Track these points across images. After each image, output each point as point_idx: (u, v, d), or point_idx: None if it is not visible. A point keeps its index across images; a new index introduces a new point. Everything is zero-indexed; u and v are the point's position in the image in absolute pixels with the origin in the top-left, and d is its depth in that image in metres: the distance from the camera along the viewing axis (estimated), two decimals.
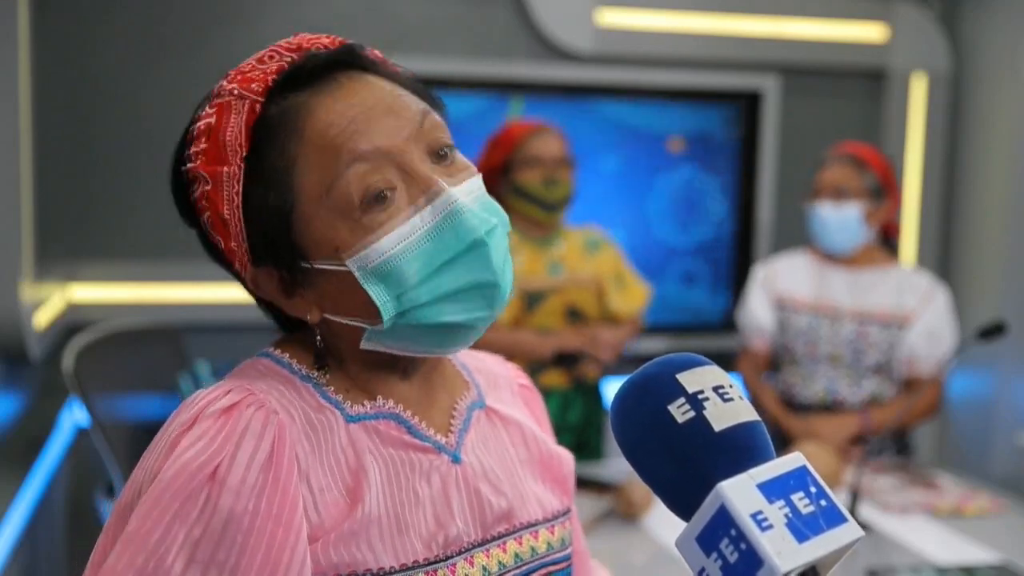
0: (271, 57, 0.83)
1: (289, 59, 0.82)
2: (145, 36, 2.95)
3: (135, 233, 2.98)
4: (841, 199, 2.59)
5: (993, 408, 3.29)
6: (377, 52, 0.88)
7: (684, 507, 0.65)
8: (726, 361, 0.73)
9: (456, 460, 0.86)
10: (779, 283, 2.73)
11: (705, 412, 0.65)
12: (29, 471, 2.54)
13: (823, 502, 0.63)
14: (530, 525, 0.90)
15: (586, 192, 3.00)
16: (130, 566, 0.71)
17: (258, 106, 0.81)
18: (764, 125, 3.44)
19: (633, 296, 2.73)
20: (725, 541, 0.60)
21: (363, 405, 0.84)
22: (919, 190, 3.56)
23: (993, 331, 2.24)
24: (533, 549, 0.90)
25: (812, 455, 2.19)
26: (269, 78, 0.81)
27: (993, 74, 3.39)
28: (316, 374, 0.84)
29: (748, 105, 3.46)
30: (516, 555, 0.88)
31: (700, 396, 0.66)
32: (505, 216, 0.85)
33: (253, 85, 0.81)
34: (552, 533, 0.92)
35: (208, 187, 0.81)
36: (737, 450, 0.64)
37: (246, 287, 0.87)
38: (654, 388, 0.67)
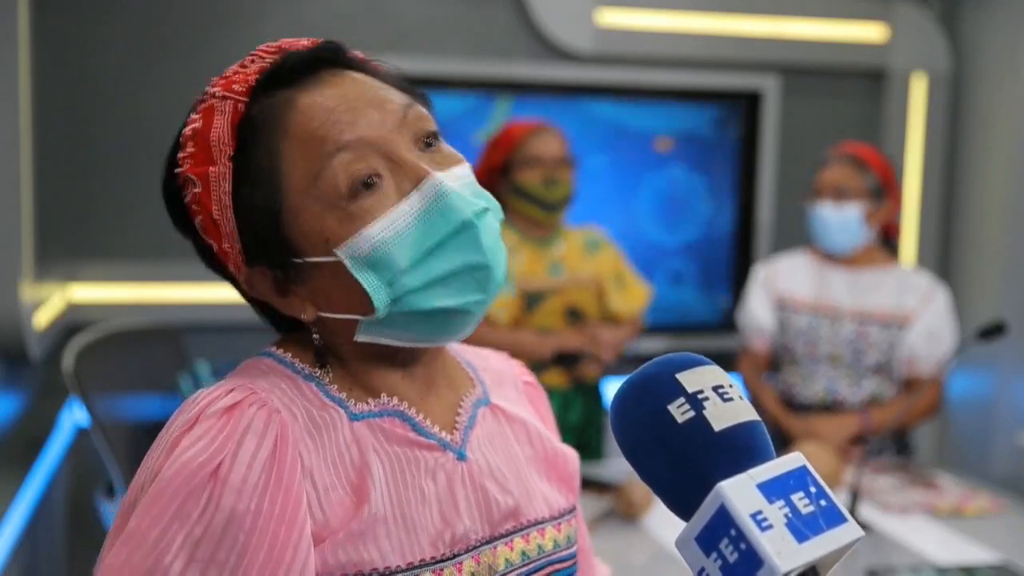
0: (255, 59, 0.84)
1: (271, 60, 0.83)
2: (145, 36, 2.95)
3: (135, 233, 2.98)
4: (842, 199, 2.59)
5: (993, 408, 3.29)
6: (359, 52, 0.88)
7: (684, 507, 0.65)
8: (723, 361, 0.73)
9: (462, 458, 0.86)
10: (779, 283, 2.73)
11: (705, 412, 0.65)
12: (29, 471, 2.54)
13: (823, 502, 0.63)
14: (537, 523, 0.90)
15: (582, 192, 3.00)
16: (128, 563, 0.71)
17: (241, 106, 0.81)
18: (764, 125, 3.44)
19: (633, 296, 2.73)
20: (725, 541, 0.60)
21: (367, 403, 0.84)
22: (919, 190, 3.56)
23: (993, 331, 2.24)
24: (540, 547, 0.90)
25: (812, 455, 2.19)
26: (251, 78, 0.82)
27: (993, 74, 3.39)
28: (319, 372, 0.85)
29: (748, 105, 3.46)
30: (523, 553, 0.88)
31: (700, 396, 0.66)
32: (496, 202, 0.86)
33: (236, 86, 0.82)
34: (559, 531, 0.92)
35: (198, 189, 0.82)
36: (737, 450, 0.64)
37: (240, 290, 0.88)
38: (654, 388, 0.67)
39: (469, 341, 0.97)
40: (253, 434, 0.76)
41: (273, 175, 0.80)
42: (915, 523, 2.15)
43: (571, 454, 1.00)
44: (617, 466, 2.45)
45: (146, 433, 2.35)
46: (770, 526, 0.60)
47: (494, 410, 0.94)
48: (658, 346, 3.34)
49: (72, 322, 2.85)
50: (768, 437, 0.67)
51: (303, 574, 0.74)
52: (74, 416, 2.80)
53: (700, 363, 0.69)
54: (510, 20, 3.21)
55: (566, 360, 2.57)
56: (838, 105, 3.53)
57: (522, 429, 0.95)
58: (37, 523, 2.56)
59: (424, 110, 0.85)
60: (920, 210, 3.56)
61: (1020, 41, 3.24)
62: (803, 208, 2.75)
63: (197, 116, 0.83)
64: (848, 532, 0.62)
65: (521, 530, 0.88)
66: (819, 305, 2.66)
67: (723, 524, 0.61)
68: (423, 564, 0.80)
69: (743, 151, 3.48)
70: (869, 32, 3.47)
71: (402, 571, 0.78)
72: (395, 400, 0.85)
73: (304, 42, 0.85)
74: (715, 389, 0.67)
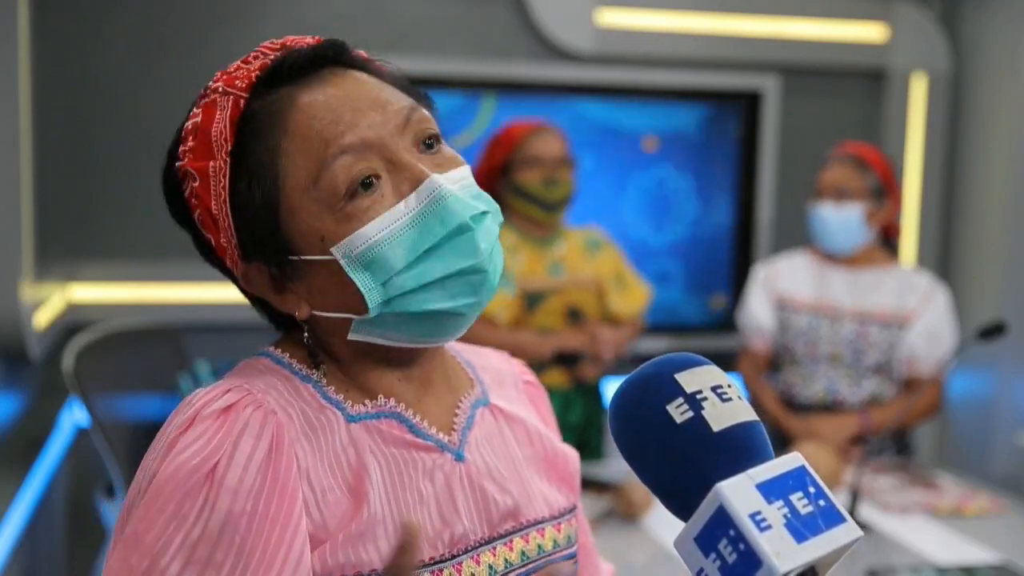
0: (258, 55, 0.84)
1: (273, 57, 0.83)
2: (145, 36, 2.95)
3: (135, 233, 2.98)
4: (842, 199, 2.59)
5: (993, 408, 3.29)
6: (362, 52, 0.88)
7: (682, 507, 0.65)
8: (719, 362, 0.73)
9: (460, 458, 0.86)
10: (779, 283, 2.73)
11: (704, 412, 0.65)
12: (29, 471, 2.54)
13: (822, 502, 0.63)
14: (537, 523, 0.90)
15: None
16: (127, 566, 0.71)
17: (242, 101, 0.81)
18: (764, 125, 3.44)
19: (634, 297, 2.73)
20: (724, 542, 0.60)
21: (364, 405, 0.84)
22: (919, 190, 3.55)
23: (993, 331, 2.24)
24: (540, 547, 0.90)
25: (812, 455, 2.19)
26: (253, 74, 0.82)
27: (993, 74, 3.39)
28: (316, 374, 0.84)
29: (748, 105, 3.46)
30: (523, 553, 0.88)
31: (698, 396, 0.66)
32: (495, 205, 0.85)
33: (237, 82, 0.82)
34: (559, 531, 0.92)
35: (196, 184, 0.82)
36: (736, 450, 0.64)
37: (238, 285, 0.88)
38: (652, 388, 0.67)
39: (469, 341, 0.97)
40: (249, 435, 0.76)
41: (272, 172, 0.80)
42: (915, 523, 2.15)
43: (571, 453, 0.99)
44: (617, 466, 2.45)
45: (146, 433, 2.35)
46: (769, 526, 0.60)
47: (493, 410, 0.93)
48: (659, 346, 3.34)
49: (72, 322, 2.85)
50: (767, 437, 0.67)
51: (299, 575, 0.74)
52: (74, 416, 2.80)
53: (699, 363, 0.69)
54: (510, 20, 3.21)
55: (566, 360, 2.57)
56: (838, 105, 3.53)
57: (522, 429, 0.95)
58: (37, 523, 2.56)
59: (426, 112, 0.85)
60: (920, 210, 3.56)
61: (1020, 41, 3.24)
62: (803, 208, 2.74)
63: (198, 110, 0.83)
64: (847, 532, 0.62)
65: (520, 530, 0.88)
66: (819, 305, 2.66)
67: (722, 524, 0.61)
68: (422, 565, 0.80)
69: (743, 151, 3.48)
70: (869, 32, 3.47)
71: None
72: (392, 402, 0.85)
73: (308, 40, 0.85)
74: (714, 389, 0.67)
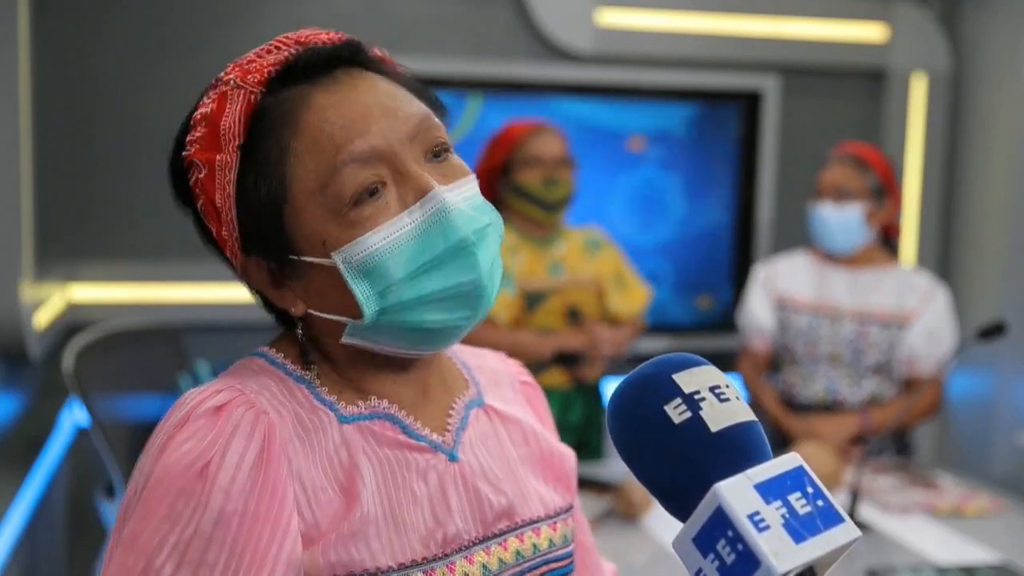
0: (272, 50, 0.84)
1: (289, 52, 0.83)
2: (145, 36, 2.95)
3: (135, 233, 2.98)
4: (843, 199, 2.59)
5: (993, 408, 3.29)
6: (380, 51, 0.88)
7: (681, 508, 0.65)
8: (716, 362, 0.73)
9: (453, 459, 0.87)
10: (779, 283, 2.73)
11: (702, 412, 0.65)
12: (29, 471, 2.54)
13: (820, 502, 0.63)
14: (532, 522, 0.90)
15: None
16: (123, 567, 0.72)
17: (255, 96, 0.81)
18: (764, 125, 3.44)
19: (633, 297, 2.73)
20: (722, 542, 0.60)
21: (357, 405, 0.84)
22: (919, 190, 3.55)
23: (993, 331, 2.24)
24: (535, 546, 0.90)
25: (812, 455, 2.19)
26: (268, 69, 0.82)
27: (993, 74, 3.39)
28: (309, 375, 0.85)
29: (748, 105, 3.46)
30: (517, 552, 0.88)
31: (696, 396, 0.66)
32: (499, 217, 0.85)
33: (252, 76, 0.82)
34: (554, 530, 0.92)
35: (202, 174, 0.82)
36: (734, 451, 0.64)
37: (236, 274, 0.88)
38: (650, 388, 0.67)
39: (469, 341, 0.97)
40: (240, 435, 0.76)
41: (279, 169, 0.80)
42: (915, 523, 2.15)
43: (567, 453, 0.99)
44: (617, 466, 2.45)
45: (146, 433, 2.34)
46: (767, 527, 0.60)
47: (488, 411, 0.94)
48: (657, 346, 3.34)
49: (72, 322, 2.85)
50: (765, 438, 0.67)
51: (290, 574, 0.74)
52: (74, 416, 2.80)
53: (697, 363, 0.69)
54: (510, 20, 3.21)
55: (566, 360, 2.57)
56: (838, 105, 3.53)
57: (517, 429, 0.95)
58: (37, 523, 2.56)
59: (437, 119, 0.85)
60: (920, 210, 3.56)
61: (1020, 41, 3.24)
62: (803, 208, 2.74)
63: (210, 100, 0.82)
64: (845, 532, 0.62)
65: (515, 529, 0.88)
66: (819, 305, 2.66)
67: (720, 525, 0.61)
68: (414, 564, 0.80)
69: (743, 151, 3.48)
70: (869, 32, 3.47)
71: (393, 571, 0.79)
72: (385, 403, 0.86)
73: (324, 35, 0.85)
74: (712, 390, 0.66)
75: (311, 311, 0.83)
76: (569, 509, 0.96)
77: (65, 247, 2.93)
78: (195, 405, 0.77)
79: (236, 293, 0.90)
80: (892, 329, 2.59)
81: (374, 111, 0.81)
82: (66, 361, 2.25)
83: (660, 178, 3.44)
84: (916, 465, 2.64)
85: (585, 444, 2.65)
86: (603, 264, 2.69)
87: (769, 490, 0.62)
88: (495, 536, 0.87)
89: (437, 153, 0.84)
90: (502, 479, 0.89)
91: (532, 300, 2.58)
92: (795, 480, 0.63)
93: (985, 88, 3.43)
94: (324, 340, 0.86)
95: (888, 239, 2.74)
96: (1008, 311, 3.12)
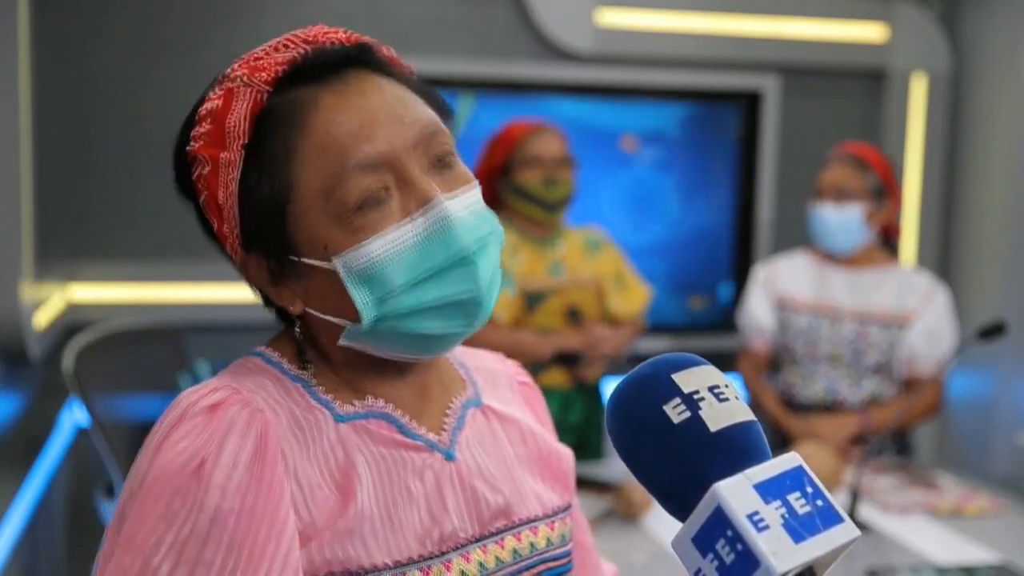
0: (284, 47, 0.83)
1: (301, 51, 0.82)
2: (145, 36, 2.95)
3: (135, 233, 2.98)
4: (843, 200, 2.59)
5: (993, 408, 3.29)
6: (390, 51, 0.87)
7: (680, 508, 0.64)
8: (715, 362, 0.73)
9: (450, 458, 0.87)
10: (779, 283, 2.73)
11: (701, 412, 0.65)
12: (29, 471, 2.54)
13: (819, 502, 0.63)
14: (529, 521, 0.90)
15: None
16: (120, 567, 0.72)
17: (263, 96, 0.81)
18: (764, 125, 3.44)
19: (633, 297, 2.73)
20: (721, 542, 0.60)
21: (353, 405, 0.85)
22: (919, 190, 3.55)
23: (993, 331, 2.24)
24: (532, 545, 0.90)
25: (812, 455, 2.19)
26: (277, 68, 0.81)
27: (993, 74, 3.39)
28: (305, 374, 0.85)
29: (748, 105, 3.46)
30: (514, 551, 0.88)
31: (696, 396, 0.66)
32: (500, 227, 0.86)
33: (261, 74, 0.81)
34: (552, 529, 0.92)
35: (206, 170, 0.82)
36: (733, 450, 0.64)
37: (236, 268, 0.88)
38: (649, 388, 0.67)
39: (469, 341, 0.97)
40: (236, 434, 0.76)
41: (284, 170, 0.80)
42: (915, 523, 2.15)
43: (565, 452, 1.00)
44: (617, 466, 2.45)
45: (146, 433, 2.34)
46: (767, 526, 0.60)
47: (485, 411, 0.94)
48: (657, 346, 3.34)
49: (72, 322, 2.85)
50: (764, 437, 0.67)
51: (287, 571, 0.74)
52: (74, 416, 2.80)
53: (696, 363, 0.69)
54: (510, 20, 3.21)
55: (566, 360, 2.57)
56: (838, 105, 3.53)
57: (515, 429, 0.95)
58: (37, 523, 2.56)
59: (445, 126, 0.85)
60: (920, 210, 3.56)
61: (1020, 41, 3.24)
62: (803, 208, 2.74)
63: (217, 96, 0.82)
64: (845, 532, 0.62)
65: (512, 528, 0.88)
66: (819, 305, 2.66)
67: (719, 525, 0.61)
68: (411, 562, 0.80)
69: (743, 151, 3.48)
70: (869, 32, 3.47)
71: (389, 569, 0.79)
72: (381, 402, 0.86)
73: (340, 34, 0.85)
74: (711, 389, 0.66)
75: (309, 310, 0.84)
76: (567, 508, 0.96)
77: (65, 247, 2.93)
78: (190, 404, 0.77)
79: (236, 293, 0.90)
80: (892, 329, 2.59)
81: (381, 116, 0.80)
82: (66, 361, 2.25)
83: (660, 178, 3.44)
84: (916, 465, 2.64)
85: (585, 444, 2.65)
86: (603, 264, 2.69)
87: (768, 490, 0.62)
88: (492, 535, 0.87)
89: (443, 163, 0.84)
90: (499, 478, 0.89)
91: (532, 300, 2.58)
92: (794, 480, 0.63)
93: (985, 88, 3.43)
94: (322, 339, 0.86)
95: (888, 239, 2.74)
96: (1008, 311, 3.12)
